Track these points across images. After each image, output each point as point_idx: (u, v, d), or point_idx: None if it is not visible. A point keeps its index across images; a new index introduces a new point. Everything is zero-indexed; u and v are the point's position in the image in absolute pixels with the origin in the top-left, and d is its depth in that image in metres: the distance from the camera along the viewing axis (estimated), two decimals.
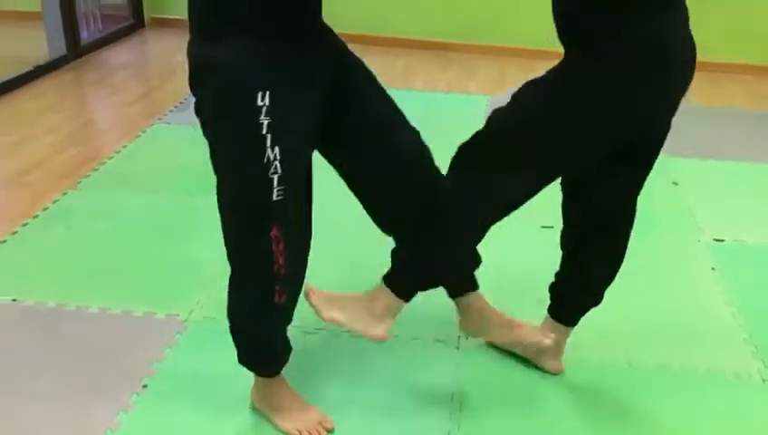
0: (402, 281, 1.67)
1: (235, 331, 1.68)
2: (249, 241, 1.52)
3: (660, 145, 1.63)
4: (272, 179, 1.41)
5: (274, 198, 1.42)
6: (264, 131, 1.37)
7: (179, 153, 3.22)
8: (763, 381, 1.94)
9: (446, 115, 3.39)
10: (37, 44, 4.35)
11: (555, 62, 1.56)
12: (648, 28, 1.44)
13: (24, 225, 2.60)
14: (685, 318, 2.18)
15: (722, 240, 2.62)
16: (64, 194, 2.83)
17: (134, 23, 5.12)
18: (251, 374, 1.75)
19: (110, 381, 1.87)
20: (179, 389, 1.86)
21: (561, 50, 1.57)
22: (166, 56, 4.66)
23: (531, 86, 1.58)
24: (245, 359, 1.71)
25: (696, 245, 2.58)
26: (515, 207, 1.64)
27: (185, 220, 2.67)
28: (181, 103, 3.79)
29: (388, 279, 1.68)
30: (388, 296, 1.66)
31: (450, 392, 1.87)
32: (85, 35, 4.58)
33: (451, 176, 1.63)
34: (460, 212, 1.59)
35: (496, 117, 1.61)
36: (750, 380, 1.95)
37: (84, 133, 3.48)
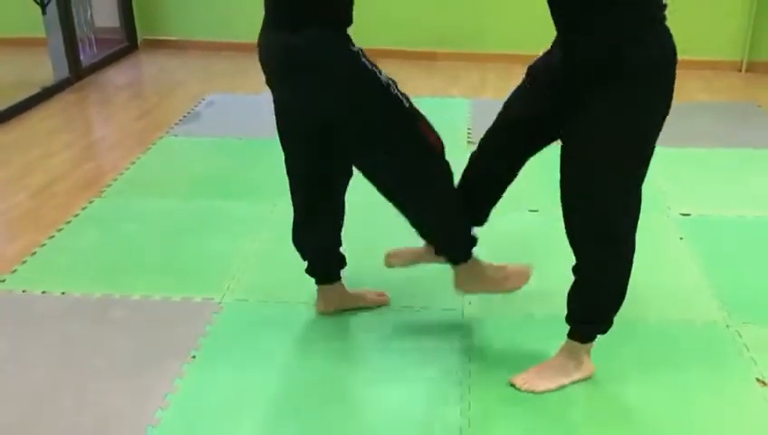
0: None
1: None
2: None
3: None
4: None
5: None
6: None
7: (190, 161, 3.49)
8: (727, 326, 2.25)
9: (430, 117, 3.68)
10: (40, 68, 4.60)
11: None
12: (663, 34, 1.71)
13: (59, 230, 2.85)
14: (658, 278, 2.49)
15: (688, 214, 2.94)
16: (90, 202, 3.08)
17: (128, 45, 5.37)
18: (285, 341, 2.05)
19: (161, 355, 2.13)
20: (224, 357, 2.12)
21: (537, 52, 1.86)
22: (162, 75, 4.91)
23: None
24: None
25: (665, 219, 2.90)
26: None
27: (204, 220, 2.93)
28: (185, 117, 4.05)
29: None
30: None
31: (459, 354, 2.15)
32: (82, 58, 4.83)
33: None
34: None
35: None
36: (716, 326, 2.26)
37: (98, 148, 3.74)
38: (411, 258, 2.24)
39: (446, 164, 2.01)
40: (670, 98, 1.77)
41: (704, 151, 3.57)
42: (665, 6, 1.71)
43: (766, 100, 4.28)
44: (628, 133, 1.75)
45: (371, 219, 2.50)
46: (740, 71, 4.81)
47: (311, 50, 1.80)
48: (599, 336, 2.00)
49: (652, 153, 1.78)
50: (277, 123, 2.01)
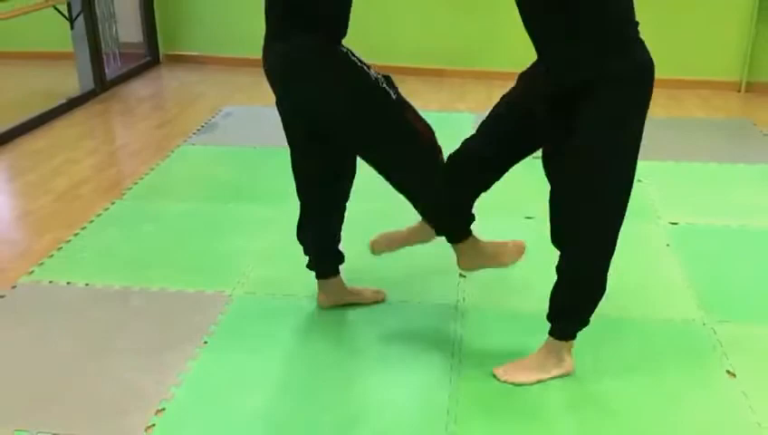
0: None
1: None
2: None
3: None
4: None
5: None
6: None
7: (207, 168, 3.69)
8: (704, 324, 2.40)
9: (437, 130, 3.87)
10: (66, 80, 4.85)
11: None
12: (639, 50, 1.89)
13: (83, 228, 3.05)
14: (642, 280, 2.64)
15: (676, 223, 3.09)
16: (112, 203, 3.28)
17: (150, 59, 5.62)
18: (290, 330, 2.23)
19: (176, 339, 2.31)
20: (233, 343, 2.30)
21: None
22: (182, 88, 5.14)
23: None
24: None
25: (654, 228, 3.05)
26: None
27: (217, 221, 3.12)
28: (203, 127, 4.27)
29: None
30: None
31: (451, 344, 2.31)
32: (107, 71, 5.07)
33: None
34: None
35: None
36: (693, 324, 2.41)
37: (120, 155, 3.95)
38: (399, 243, 2.38)
39: (435, 149, 2.16)
40: (646, 107, 1.93)
41: (697, 165, 3.72)
42: (636, 23, 1.88)
43: (762, 118, 4.42)
44: (612, 140, 1.90)
45: (371, 221, 2.67)
46: (739, 91, 4.95)
47: (304, 55, 2.00)
48: (582, 334, 2.14)
49: (636, 157, 1.94)
50: (282, 124, 2.20)
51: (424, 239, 2.35)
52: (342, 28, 2.07)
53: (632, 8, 1.87)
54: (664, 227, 3.06)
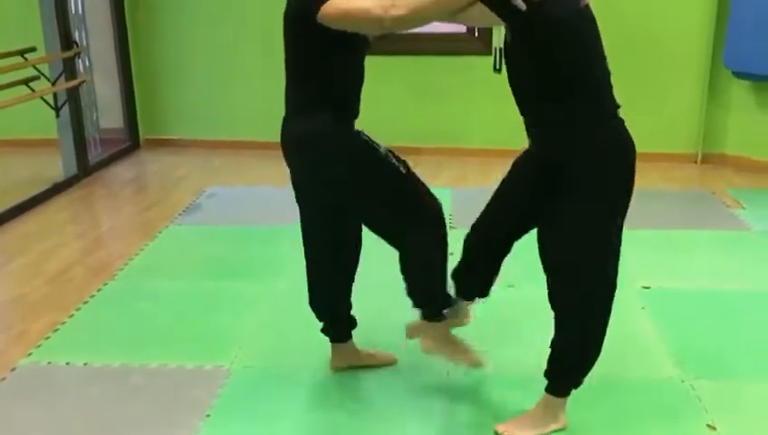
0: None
1: None
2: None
3: None
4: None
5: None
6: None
7: (196, 248, 3.79)
8: (682, 381, 2.54)
9: None
10: (49, 166, 4.95)
11: (509, 160, 2.23)
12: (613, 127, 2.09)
13: (78, 309, 3.11)
14: (621, 342, 2.76)
15: (649, 287, 3.27)
16: (105, 284, 3.36)
17: (131, 144, 5.76)
18: (291, 400, 2.33)
19: (178, 414, 2.37)
20: (236, 414, 2.37)
21: (514, 148, 2.22)
22: (164, 171, 5.27)
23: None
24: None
25: (629, 292, 3.21)
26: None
27: (211, 298, 3.21)
28: (188, 208, 4.38)
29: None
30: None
31: (451, 405, 2.41)
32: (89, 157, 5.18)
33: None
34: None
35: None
36: (672, 381, 2.55)
37: (108, 238, 4.04)
38: (443, 337, 2.44)
39: (440, 222, 2.29)
40: (632, 181, 2.12)
41: (665, 232, 3.93)
42: (618, 106, 2.09)
43: (719, 187, 4.69)
44: (595, 212, 2.07)
45: (383, 285, 2.75)
46: (696, 162, 5.26)
47: (321, 132, 2.18)
48: (572, 392, 2.27)
49: (619, 227, 2.11)
50: (296, 196, 2.36)
51: (460, 323, 2.47)
52: (356, 109, 2.28)
53: (612, 90, 2.09)
54: (638, 292, 3.23)
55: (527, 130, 2.15)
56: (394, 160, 2.27)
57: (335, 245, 2.40)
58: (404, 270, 2.35)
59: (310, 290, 2.49)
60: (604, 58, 2.04)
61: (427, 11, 1.97)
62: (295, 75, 2.23)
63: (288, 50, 2.22)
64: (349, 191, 2.25)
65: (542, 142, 2.13)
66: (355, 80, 2.26)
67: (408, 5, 1.95)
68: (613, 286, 2.14)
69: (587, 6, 1.99)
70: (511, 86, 2.11)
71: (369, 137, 2.28)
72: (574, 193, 2.05)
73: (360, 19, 2.01)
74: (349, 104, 2.26)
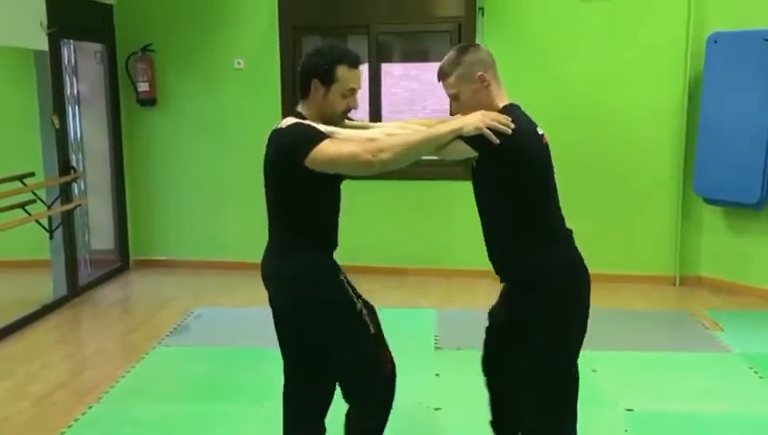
0: None
1: None
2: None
3: None
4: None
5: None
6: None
7: (182, 369, 3.80)
8: None
9: (396, 326, 4.13)
10: (38, 287, 5.01)
11: (491, 281, 2.36)
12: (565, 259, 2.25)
13: (62, 433, 3.09)
14: None
15: (632, 410, 3.31)
16: (90, 407, 3.35)
17: (121, 265, 5.84)
18: None
19: None
20: None
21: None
22: (152, 292, 5.33)
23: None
24: None
25: (612, 414, 3.25)
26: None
27: (198, 422, 3.21)
28: (175, 329, 4.42)
29: None
30: None
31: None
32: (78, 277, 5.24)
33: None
34: None
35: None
36: None
37: (96, 358, 4.05)
38: None
39: (386, 399, 2.34)
40: (581, 301, 2.27)
41: (645, 354, 4.00)
42: (570, 231, 2.26)
43: (697, 309, 4.80)
44: (549, 330, 2.22)
45: None
46: (674, 284, 5.39)
47: (298, 273, 2.26)
48: None
49: (574, 343, 2.25)
50: (274, 324, 2.42)
51: None
52: (334, 241, 2.35)
53: (562, 216, 2.29)
54: (621, 414, 3.26)
55: (489, 250, 2.33)
56: (367, 318, 2.31)
57: (305, 384, 2.43)
58: (345, 424, 2.41)
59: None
60: (556, 190, 2.28)
61: (412, 151, 2.13)
62: (275, 214, 2.32)
63: (268, 190, 2.31)
64: (314, 337, 2.32)
65: (501, 272, 2.31)
66: (333, 214, 2.35)
67: (393, 148, 2.11)
68: (564, 402, 2.27)
69: (546, 144, 2.25)
70: (477, 207, 2.31)
71: (349, 285, 2.32)
72: (532, 313, 2.22)
73: (350, 163, 2.15)
74: (326, 239, 2.33)
